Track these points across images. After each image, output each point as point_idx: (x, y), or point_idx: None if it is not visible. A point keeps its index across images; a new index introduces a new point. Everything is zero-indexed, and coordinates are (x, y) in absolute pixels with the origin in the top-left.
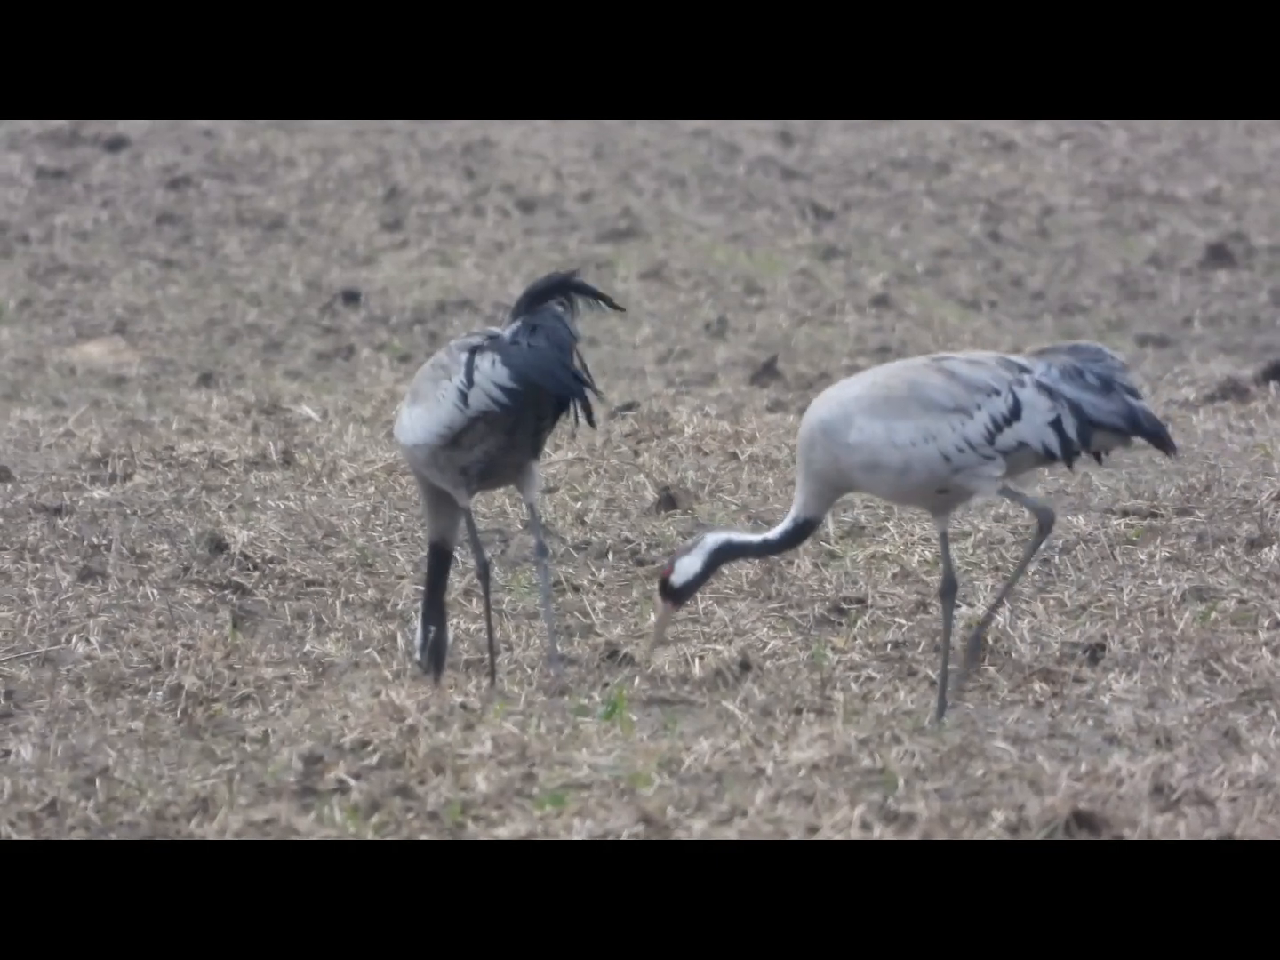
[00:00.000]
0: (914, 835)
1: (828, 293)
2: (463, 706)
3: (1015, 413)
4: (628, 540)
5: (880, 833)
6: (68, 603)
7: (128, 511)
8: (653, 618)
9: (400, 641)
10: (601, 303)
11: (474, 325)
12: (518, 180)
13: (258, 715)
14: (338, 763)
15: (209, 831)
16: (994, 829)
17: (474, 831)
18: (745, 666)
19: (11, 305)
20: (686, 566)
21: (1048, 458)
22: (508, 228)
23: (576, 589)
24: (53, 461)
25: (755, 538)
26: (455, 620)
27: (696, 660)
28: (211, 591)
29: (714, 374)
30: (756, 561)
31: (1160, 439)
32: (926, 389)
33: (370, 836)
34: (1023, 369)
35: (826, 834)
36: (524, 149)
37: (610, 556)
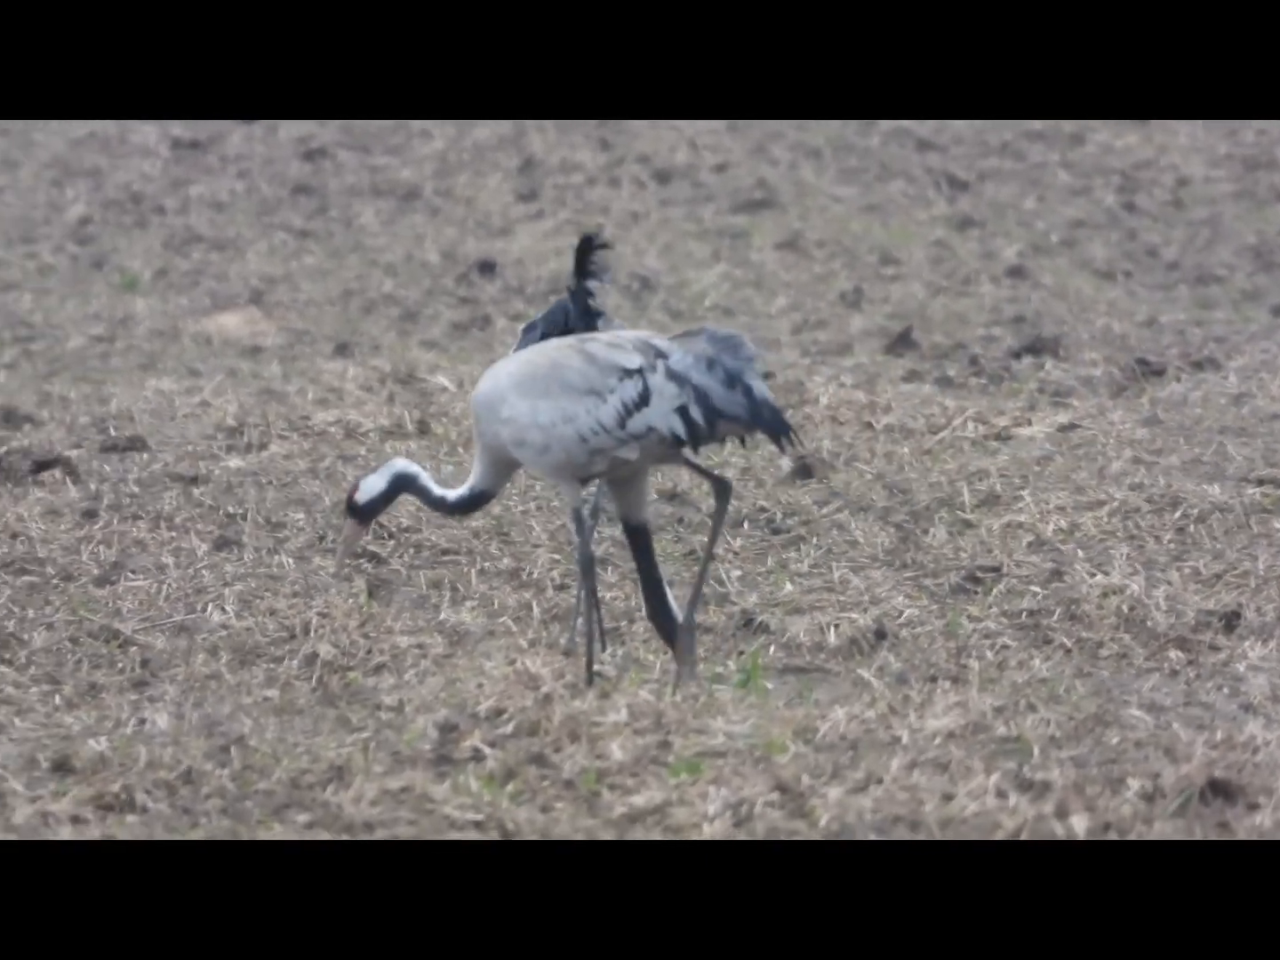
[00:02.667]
0: (1049, 804)
1: (963, 263)
2: (598, 674)
3: (645, 398)
4: (763, 509)
5: (1015, 801)
6: (203, 572)
7: (263, 481)
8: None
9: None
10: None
11: (609, 296)
12: (653, 151)
13: (393, 684)
14: (473, 731)
15: (344, 799)
16: (1129, 797)
17: (609, 800)
18: (881, 635)
19: (147, 276)
20: (371, 484)
21: (675, 443)
22: (643, 199)
23: (712, 557)
24: (188, 431)
25: (435, 488)
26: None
27: (832, 628)
28: (347, 560)
29: (849, 344)
30: (892, 531)
31: (776, 433)
32: (565, 370)
33: (505, 805)
34: (660, 353)
35: (961, 801)
36: (659, 120)
37: (746, 525)
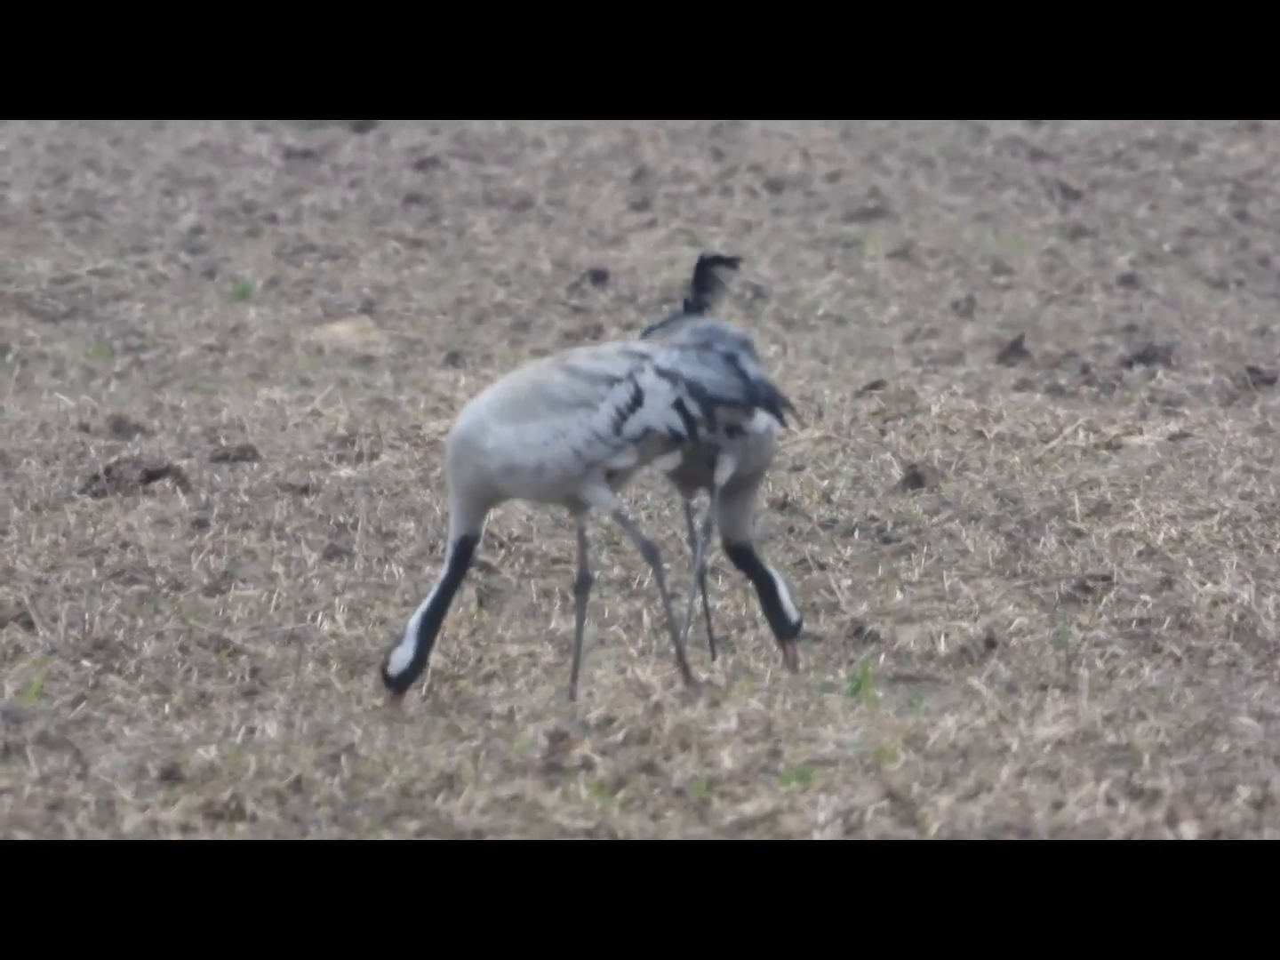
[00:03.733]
0: (1159, 812)
1: (1075, 272)
2: (708, 683)
3: (638, 400)
4: (874, 518)
5: (1125, 809)
6: (314, 581)
7: (374, 490)
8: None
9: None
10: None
11: (721, 305)
12: (766, 160)
13: (503, 692)
14: (583, 739)
15: (454, 808)
16: (1239, 805)
17: (719, 808)
18: (991, 643)
19: (259, 285)
20: (401, 656)
21: (675, 440)
22: (756, 208)
23: (822, 567)
24: (299, 441)
25: (435, 590)
26: (700, 597)
27: (942, 637)
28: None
29: (961, 353)
30: (1003, 540)
31: (775, 408)
32: (550, 388)
33: (615, 813)
34: (644, 356)
35: (1071, 809)
36: (772, 129)
37: (856, 534)
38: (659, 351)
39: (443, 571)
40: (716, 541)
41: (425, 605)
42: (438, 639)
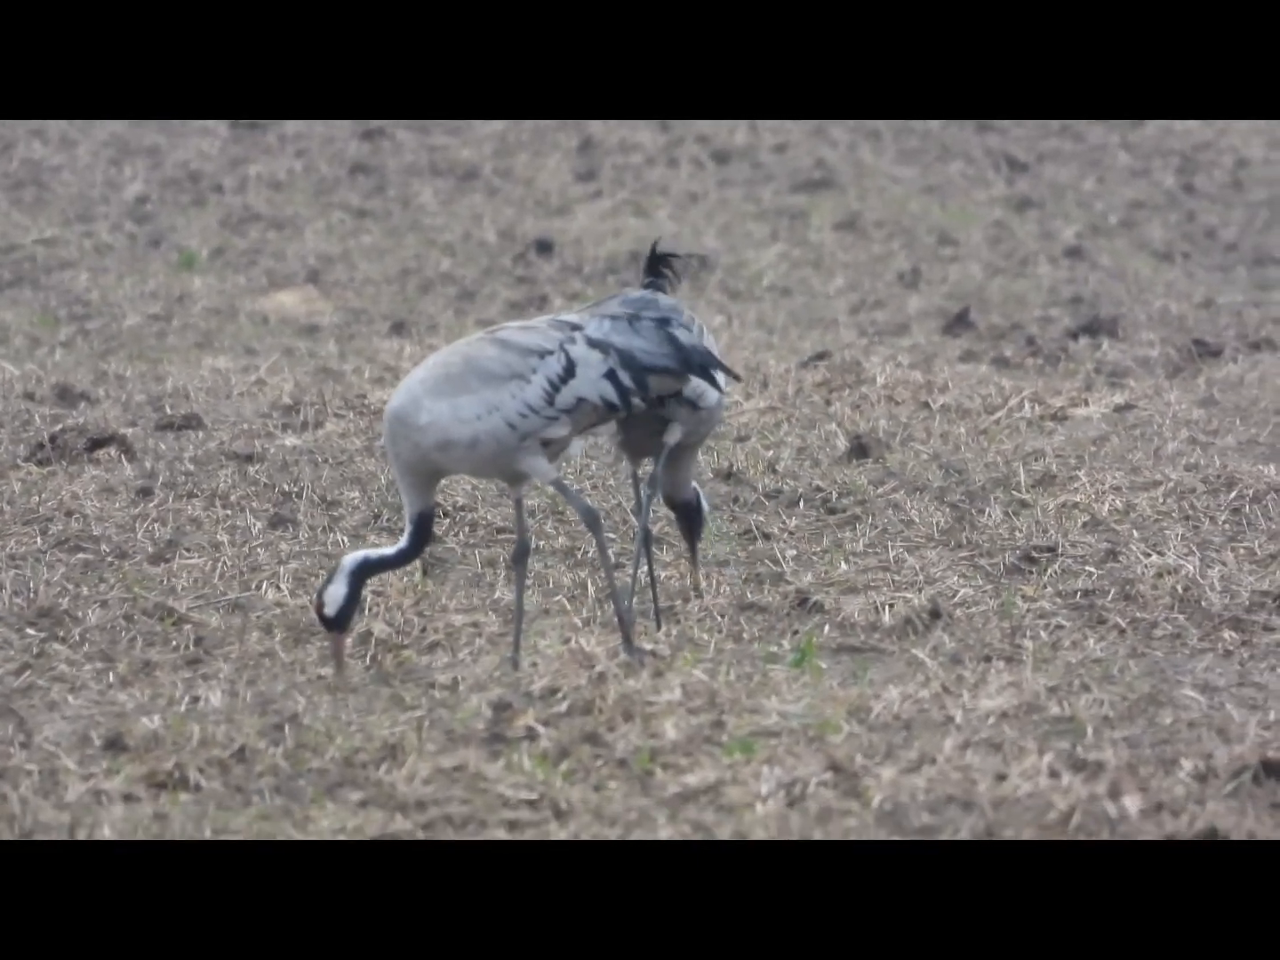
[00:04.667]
0: (1102, 784)
1: (1021, 244)
2: (652, 653)
3: (570, 371)
4: (819, 489)
5: (1068, 781)
6: (258, 550)
7: (319, 459)
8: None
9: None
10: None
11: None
12: (712, 132)
13: (447, 662)
14: (527, 710)
15: (398, 778)
16: (1182, 777)
17: (662, 779)
18: (935, 614)
19: (205, 254)
20: (334, 594)
21: (609, 409)
22: (702, 179)
23: (767, 537)
24: (244, 409)
25: (390, 550)
26: (644, 568)
27: (887, 608)
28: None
29: (906, 324)
30: (948, 511)
31: (709, 375)
32: (481, 361)
33: (558, 784)
34: (574, 326)
35: (1015, 782)
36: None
37: (801, 505)
38: (590, 322)
39: (403, 540)
40: (659, 506)
41: (373, 554)
42: (374, 608)
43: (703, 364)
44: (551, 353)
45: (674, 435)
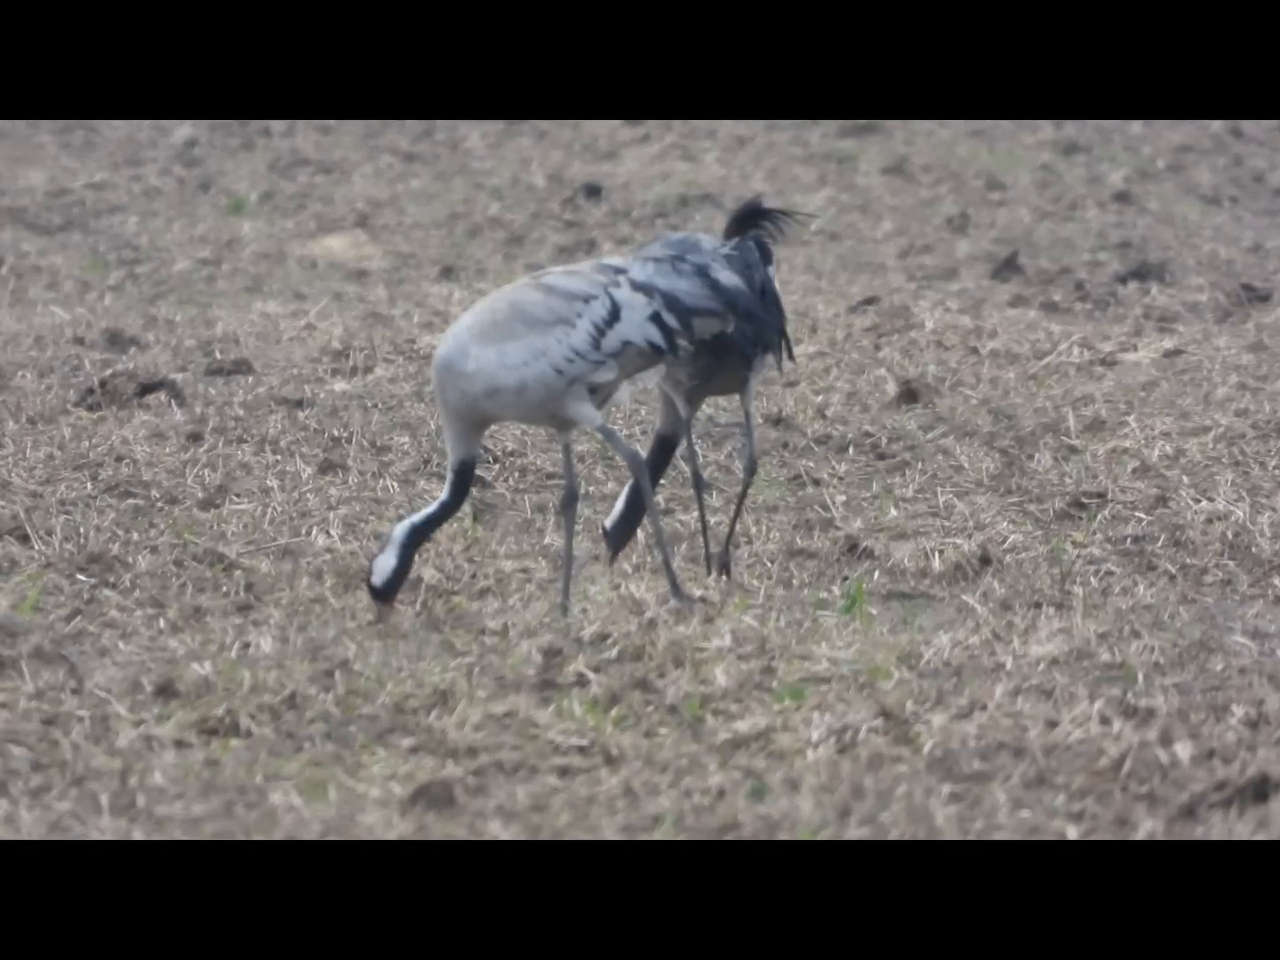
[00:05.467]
0: (1153, 731)
1: (1069, 188)
2: (702, 600)
3: (615, 315)
4: (868, 434)
5: (1119, 728)
6: (308, 495)
7: (368, 404)
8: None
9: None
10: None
11: (715, 220)
12: None
13: (497, 608)
14: (577, 656)
15: (448, 724)
16: (1233, 724)
17: (713, 725)
18: (985, 561)
19: (253, 198)
20: (383, 565)
21: (654, 352)
22: (749, 123)
23: (817, 482)
24: (294, 354)
25: (433, 507)
26: (695, 513)
27: (936, 554)
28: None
29: (955, 269)
30: (997, 457)
31: (752, 315)
32: (527, 307)
33: (609, 730)
34: (619, 270)
35: (1065, 728)
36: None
37: (850, 450)
38: (634, 265)
39: (443, 493)
40: (711, 455)
41: (418, 518)
42: (424, 554)
43: (746, 308)
44: (596, 297)
45: (753, 386)
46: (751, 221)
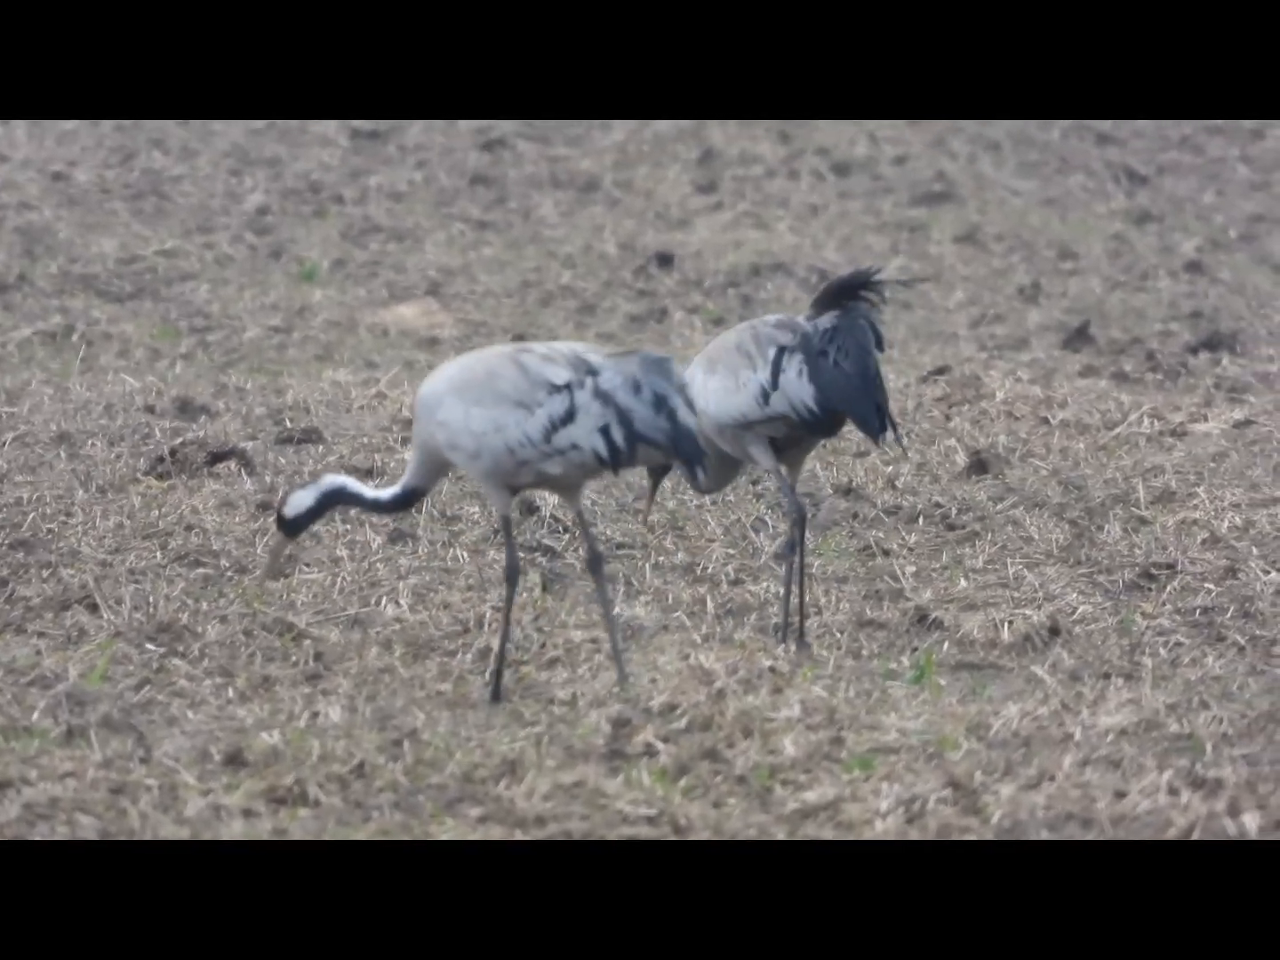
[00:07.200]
0: (1221, 802)
1: (1141, 258)
2: (771, 670)
3: (570, 414)
4: (938, 504)
5: (1187, 799)
6: (378, 565)
7: None
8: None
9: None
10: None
11: (787, 289)
12: (832, 144)
13: (566, 678)
14: (646, 726)
15: (517, 794)
16: None
17: (781, 795)
18: (1054, 631)
19: (325, 266)
20: (299, 500)
21: (598, 464)
22: (822, 191)
23: (886, 553)
24: (364, 423)
25: (369, 492)
26: (765, 584)
27: (1006, 625)
28: (521, 554)
29: (1026, 338)
30: (1067, 528)
31: (692, 464)
32: (499, 379)
33: (678, 800)
34: (591, 370)
35: (1134, 799)
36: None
37: (920, 521)
38: (606, 369)
39: (385, 492)
40: (782, 527)
41: (352, 483)
42: (494, 625)
43: (690, 451)
44: (559, 391)
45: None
46: (852, 294)
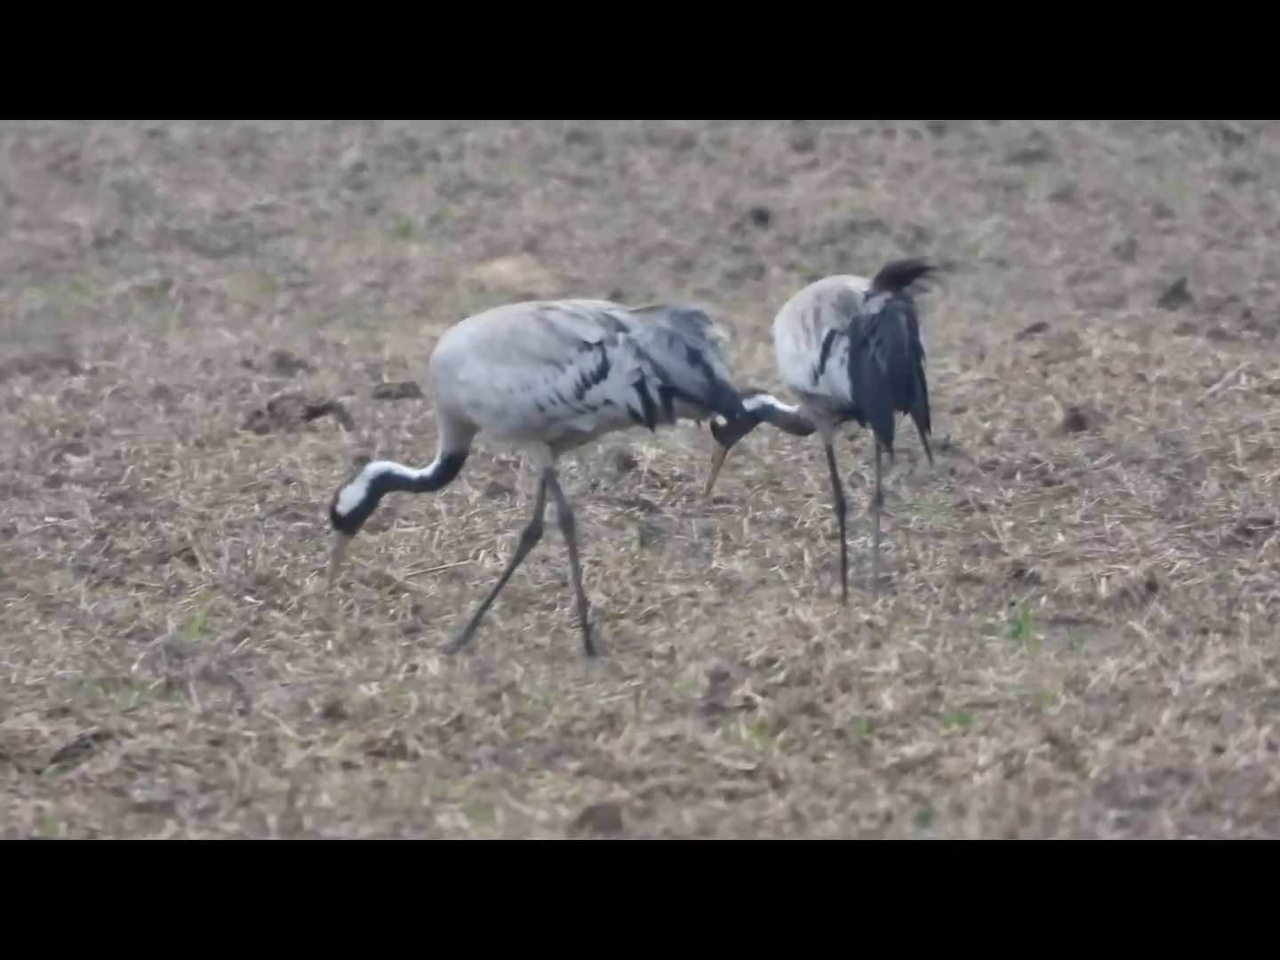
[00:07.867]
0: None
1: (1237, 216)
2: (869, 624)
3: (603, 370)
4: (1035, 460)
5: None
6: (475, 519)
7: None
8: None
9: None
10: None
11: (884, 246)
12: None
13: (664, 632)
14: (744, 680)
15: (615, 747)
16: None
17: (879, 749)
18: (1152, 587)
19: (422, 222)
20: (350, 495)
21: (633, 418)
22: (918, 149)
23: (984, 508)
24: None
25: (413, 473)
26: (862, 538)
27: (1103, 580)
28: (619, 508)
29: (1123, 296)
30: (1164, 484)
31: (734, 414)
32: (525, 337)
33: (776, 754)
34: (620, 326)
35: (1232, 754)
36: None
37: (1018, 476)
38: (636, 325)
39: (428, 469)
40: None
41: (396, 468)
42: (591, 577)
43: (729, 405)
44: (591, 347)
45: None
46: (904, 280)
